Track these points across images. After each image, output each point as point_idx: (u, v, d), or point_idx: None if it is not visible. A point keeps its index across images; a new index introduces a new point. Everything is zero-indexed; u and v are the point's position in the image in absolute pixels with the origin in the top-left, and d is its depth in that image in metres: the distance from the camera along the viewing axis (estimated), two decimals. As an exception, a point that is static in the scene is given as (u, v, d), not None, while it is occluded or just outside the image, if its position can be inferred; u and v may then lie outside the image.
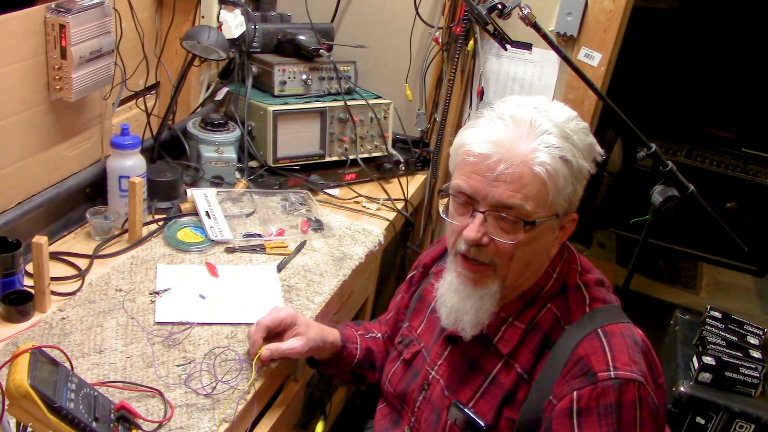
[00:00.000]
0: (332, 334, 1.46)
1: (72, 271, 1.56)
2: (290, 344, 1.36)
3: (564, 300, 1.20)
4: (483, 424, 1.19)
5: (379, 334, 1.57)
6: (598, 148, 1.18)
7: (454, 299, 1.21)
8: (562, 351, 1.13)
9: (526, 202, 1.10)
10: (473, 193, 1.13)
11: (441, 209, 1.23)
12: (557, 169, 1.10)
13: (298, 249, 1.78)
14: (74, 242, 1.67)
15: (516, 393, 1.18)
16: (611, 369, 1.07)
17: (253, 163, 2.03)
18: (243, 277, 1.64)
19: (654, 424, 1.09)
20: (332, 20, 2.43)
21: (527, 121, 1.11)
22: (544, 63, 2.23)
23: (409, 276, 1.53)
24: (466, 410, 1.21)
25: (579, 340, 1.12)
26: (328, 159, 2.10)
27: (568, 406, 1.08)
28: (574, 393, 1.08)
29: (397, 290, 1.57)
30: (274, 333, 1.38)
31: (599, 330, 1.12)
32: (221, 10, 2.01)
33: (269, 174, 2.02)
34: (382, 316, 1.61)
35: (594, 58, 2.15)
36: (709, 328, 2.34)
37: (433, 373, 1.32)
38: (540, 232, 1.14)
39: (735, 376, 2.14)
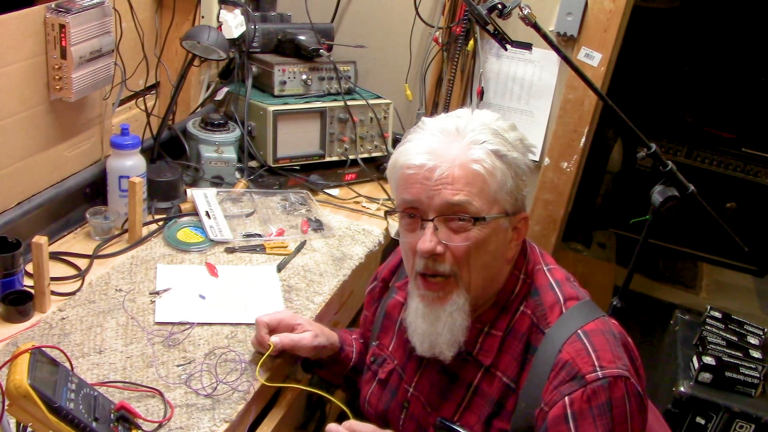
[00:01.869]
0: (333, 336, 1.46)
1: (72, 271, 1.56)
2: (301, 335, 1.37)
3: (537, 302, 1.19)
4: None
5: None
6: (528, 141, 1.21)
7: (424, 325, 1.20)
8: (546, 356, 1.13)
9: (471, 199, 1.11)
10: (418, 203, 1.14)
11: (392, 232, 1.22)
12: (493, 163, 1.12)
13: (298, 249, 1.78)
14: (74, 242, 1.67)
15: (504, 404, 1.17)
16: (598, 369, 1.07)
17: (253, 163, 2.03)
18: (243, 277, 1.64)
19: (641, 414, 1.10)
20: (332, 20, 2.43)
21: (454, 128, 1.15)
22: (544, 63, 2.23)
23: (368, 289, 1.51)
24: (454, 426, 1.20)
25: (561, 344, 1.12)
26: (328, 159, 2.10)
27: (561, 413, 1.07)
28: (566, 398, 1.07)
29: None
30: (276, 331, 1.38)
31: (579, 331, 1.12)
32: (221, 10, 2.01)
33: (269, 174, 2.02)
34: None
35: (594, 58, 2.15)
36: (709, 328, 2.34)
37: (411, 390, 1.30)
38: (492, 232, 1.14)
39: (735, 376, 2.14)
